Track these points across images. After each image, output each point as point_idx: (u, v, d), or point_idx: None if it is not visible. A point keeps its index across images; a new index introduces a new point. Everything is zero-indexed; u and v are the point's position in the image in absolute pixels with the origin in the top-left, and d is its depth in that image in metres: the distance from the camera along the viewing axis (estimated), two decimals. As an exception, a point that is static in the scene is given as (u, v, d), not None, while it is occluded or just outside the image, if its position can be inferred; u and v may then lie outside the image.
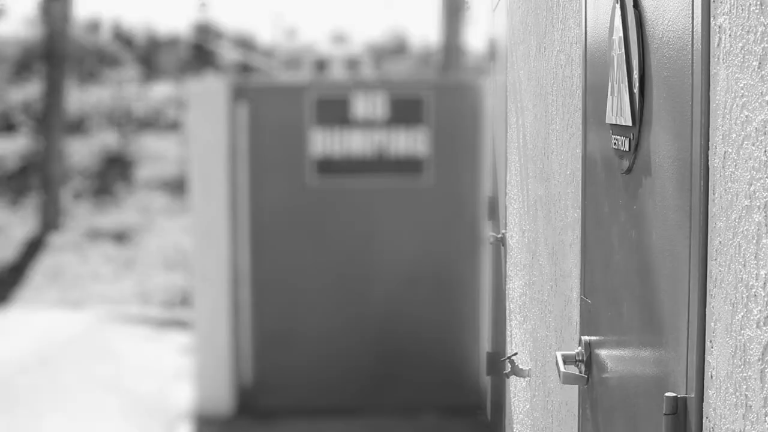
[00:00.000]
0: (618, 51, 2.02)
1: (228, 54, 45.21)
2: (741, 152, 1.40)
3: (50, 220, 14.66)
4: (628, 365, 2.03)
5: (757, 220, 1.34)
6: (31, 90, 19.96)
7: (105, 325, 9.63)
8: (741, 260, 1.39)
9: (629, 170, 1.97)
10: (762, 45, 1.32)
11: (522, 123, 4.08)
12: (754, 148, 1.35)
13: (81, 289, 11.80)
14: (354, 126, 6.36)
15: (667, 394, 1.62)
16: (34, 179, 16.73)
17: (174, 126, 21.72)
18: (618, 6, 2.02)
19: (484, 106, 6.42)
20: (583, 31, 2.47)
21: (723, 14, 1.46)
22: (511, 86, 4.68)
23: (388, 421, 6.37)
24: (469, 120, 6.43)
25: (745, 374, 1.37)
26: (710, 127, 1.52)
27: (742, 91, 1.39)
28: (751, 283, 1.35)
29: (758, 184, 1.33)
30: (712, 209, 1.51)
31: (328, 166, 6.39)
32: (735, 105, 1.42)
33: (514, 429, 4.29)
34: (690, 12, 1.59)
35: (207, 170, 6.42)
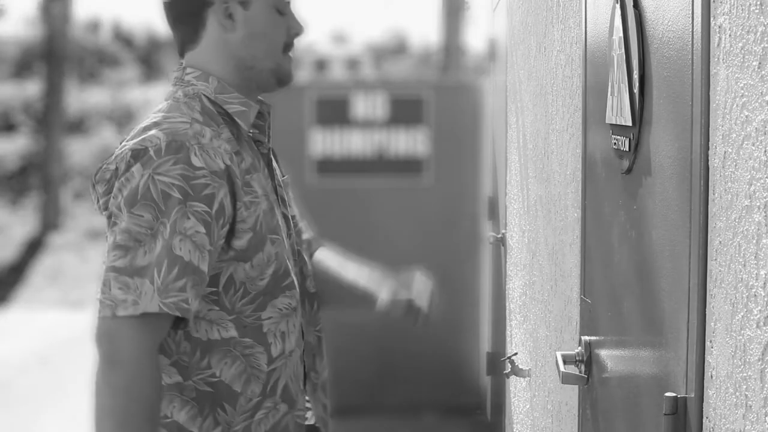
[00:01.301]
0: (618, 51, 2.02)
1: (228, 54, 45.08)
2: (741, 152, 1.40)
3: (50, 220, 14.66)
4: (628, 365, 2.03)
5: (757, 220, 1.34)
6: (31, 90, 19.96)
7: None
8: (741, 260, 1.39)
9: (629, 170, 1.97)
10: (762, 45, 1.32)
11: (522, 123, 4.08)
12: (754, 148, 1.35)
13: (81, 289, 11.80)
14: (354, 126, 6.35)
15: (667, 394, 1.62)
16: (34, 179, 16.73)
17: (174, 126, 21.69)
18: (618, 6, 2.02)
19: (484, 106, 6.41)
20: (583, 31, 2.47)
21: (723, 14, 1.46)
22: (511, 86, 4.68)
23: (388, 421, 6.37)
24: (469, 120, 6.42)
25: (745, 374, 1.37)
26: (710, 127, 1.52)
27: (742, 91, 1.39)
28: (751, 283, 1.35)
29: (758, 184, 1.33)
30: (712, 209, 1.51)
31: (328, 166, 6.38)
32: (735, 105, 1.42)
33: (514, 429, 4.29)
34: (690, 12, 1.59)
35: (207, 170, 6.42)
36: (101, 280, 1.98)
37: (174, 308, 1.94)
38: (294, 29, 2.19)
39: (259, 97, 2.25)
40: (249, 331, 2.08)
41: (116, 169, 1.99)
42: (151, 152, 1.97)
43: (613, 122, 2.07)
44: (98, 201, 2.06)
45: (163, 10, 2.21)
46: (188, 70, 2.17)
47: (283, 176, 2.40)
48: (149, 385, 1.95)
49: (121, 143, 2.08)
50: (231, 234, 2.05)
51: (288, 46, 2.20)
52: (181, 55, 2.22)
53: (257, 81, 2.20)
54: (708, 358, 1.53)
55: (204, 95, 2.13)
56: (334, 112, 6.38)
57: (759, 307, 1.33)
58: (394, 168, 6.39)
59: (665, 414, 1.62)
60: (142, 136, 2.01)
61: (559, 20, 2.96)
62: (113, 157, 2.03)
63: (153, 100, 22.39)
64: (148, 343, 1.95)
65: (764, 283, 1.31)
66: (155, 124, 2.05)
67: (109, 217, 2.01)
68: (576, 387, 2.56)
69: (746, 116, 1.38)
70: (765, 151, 1.31)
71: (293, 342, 2.18)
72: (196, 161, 1.99)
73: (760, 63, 1.33)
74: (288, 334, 2.16)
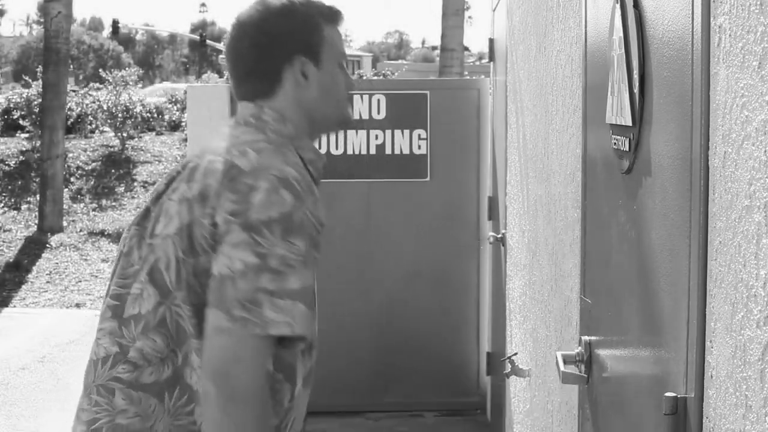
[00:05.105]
0: (618, 51, 2.02)
1: (228, 54, 45.10)
2: (741, 152, 1.40)
3: (50, 220, 14.65)
4: (628, 365, 2.03)
5: (757, 220, 1.34)
6: (31, 90, 19.96)
7: (105, 325, 9.61)
8: (741, 260, 1.39)
9: (629, 170, 1.97)
10: (762, 45, 1.32)
11: (522, 123, 4.09)
12: (754, 148, 1.35)
13: (81, 289, 11.80)
14: (354, 126, 6.35)
15: (667, 394, 1.62)
16: (35, 179, 16.73)
17: (174, 126, 21.72)
18: (618, 6, 2.02)
19: (484, 106, 6.41)
20: (583, 31, 2.48)
21: (723, 14, 1.46)
22: (511, 86, 4.68)
23: (388, 421, 6.37)
24: (469, 120, 6.42)
25: (745, 374, 1.37)
26: (710, 127, 1.52)
27: (742, 91, 1.39)
28: (751, 283, 1.35)
29: (758, 184, 1.33)
30: (712, 209, 1.51)
31: (328, 166, 6.37)
32: (735, 105, 1.42)
33: (514, 429, 4.29)
34: (690, 12, 1.59)
35: (207, 170, 6.41)
36: (241, 297, 1.94)
37: (311, 336, 2.01)
38: (350, 83, 2.28)
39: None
40: (284, 367, 2.07)
41: (253, 185, 2.00)
42: (297, 187, 2.02)
43: (613, 122, 2.07)
44: (213, 203, 2.03)
45: (233, 61, 2.23)
46: (266, 110, 2.21)
47: None
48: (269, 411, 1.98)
49: (223, 153, 2.11)
50: None
51: (349, 97, 2.30)
52: (248, 100, 2.25)
53: (323, 129, 2.33)
54: (708, 358, 1.53)
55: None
56: (334, 112, 6.38)
57: (759, 307, 1.33)
58: (394, 168, 6.39)
59: (665, 414, 1.62)
60: (275, 165, 2.03)
61: (559, 20, 2.96)
62: (248, 170, 2.03)
63: (152, 100, 22.38)
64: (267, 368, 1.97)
65: (764, 283, 1.31)
66: (274, 154, 2.07)
67: (247, 227, 1.98)
68: (576, 387, 2.56)
69: (746, 116, 1.38)
70: (765, 151, 1.31)
71: (310, 382, 2.18)
72: (320, 209, 2.09)
73: (760, 63, 1.33)
74: (308, 374, 2.16)
